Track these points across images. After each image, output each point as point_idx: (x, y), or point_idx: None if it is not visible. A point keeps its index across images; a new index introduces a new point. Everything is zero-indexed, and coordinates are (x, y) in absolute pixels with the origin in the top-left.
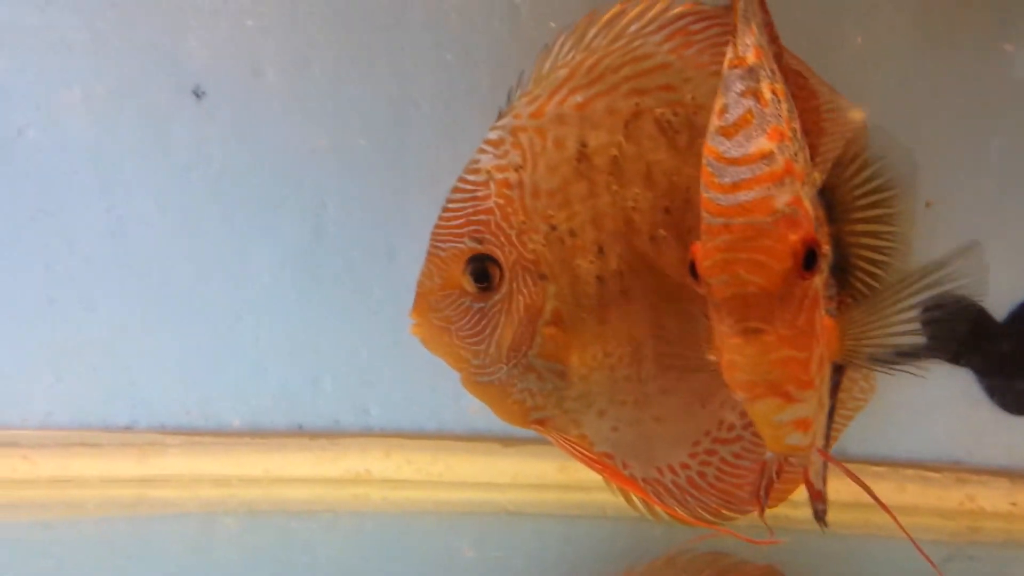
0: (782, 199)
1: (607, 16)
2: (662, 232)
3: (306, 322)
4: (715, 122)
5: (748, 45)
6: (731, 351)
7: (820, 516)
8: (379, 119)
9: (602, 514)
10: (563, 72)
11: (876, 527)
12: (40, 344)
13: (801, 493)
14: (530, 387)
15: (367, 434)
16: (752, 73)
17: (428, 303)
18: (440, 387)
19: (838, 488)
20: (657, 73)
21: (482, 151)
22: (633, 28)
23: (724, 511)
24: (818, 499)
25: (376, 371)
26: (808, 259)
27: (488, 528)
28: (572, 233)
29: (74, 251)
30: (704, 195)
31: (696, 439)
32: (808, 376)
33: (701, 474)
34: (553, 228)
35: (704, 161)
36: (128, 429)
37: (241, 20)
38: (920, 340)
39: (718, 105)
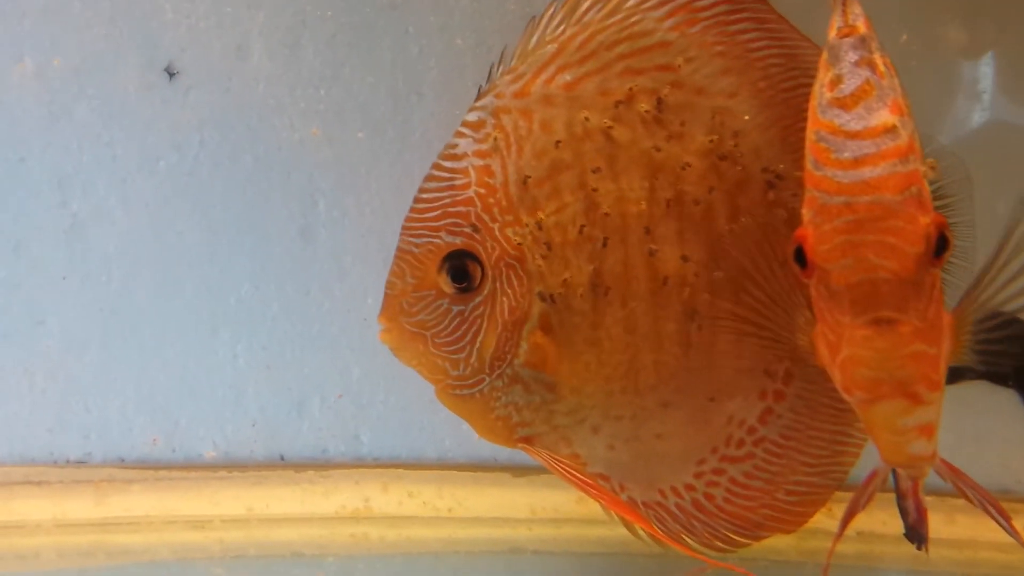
0: (909, 177)
1: None
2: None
3: (290, 337)
4: (826, 93)
5: (858, 14)
6: (855, 345)
7: (922, 539)
8: (379, 109)
9: (626, 550)
10: (551, 48)
11: (884, 559)
12: None
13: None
14: (515, 400)
15: (360, 465)
16: (864, 43)
17: (399, 306)
18: (441, 409)
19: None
20: (656, 51)
21: (460, 134)
22: (631, 2)
23: (735, 537)
24: (924, 520)
25: (370, 392)
26: (940, 244)
27: (502, 570)
28: (562, 227)
29: (21, 254)
30: (816, 173)
31: (702, 457)
32: (938, 375)
33: (708, 496)
34: (540, 221)
35: (814, 136)
36: (82, 463)
37: None
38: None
39: (828, 75)
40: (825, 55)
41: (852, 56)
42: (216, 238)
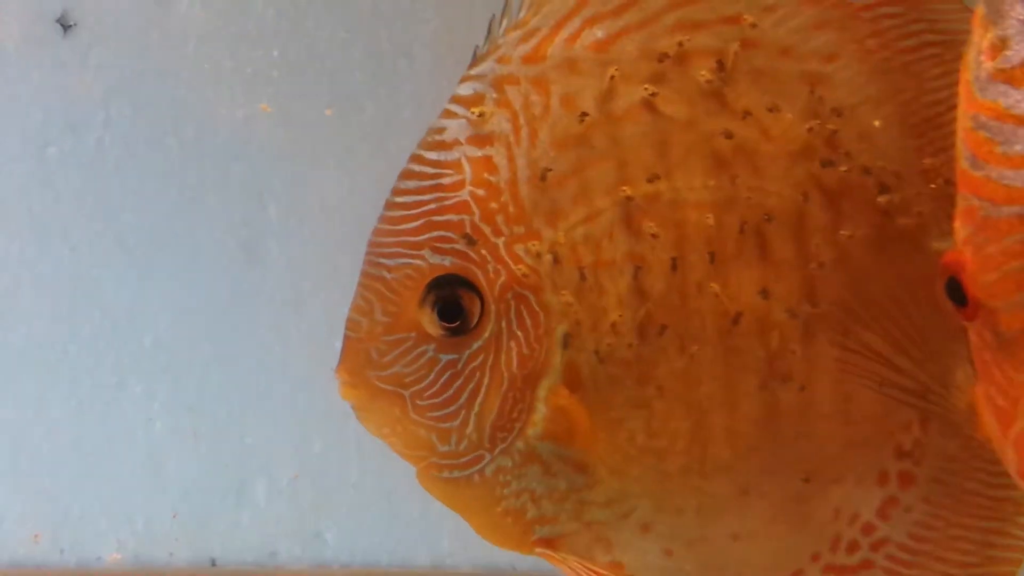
0: None
1: None
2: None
3: (227, 394)
4: (985, 64)
5: None
6: None
7: None
8: (354, 77)
9: None
10: None
11: None
12: None
13: None
14: (531, 487)
15: (323, 572)
16: None
17: (366, 354)
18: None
19: None
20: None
21: (450, 114)
22: None
23: None
24: None
25: (337, 472)
26: None
27: None
28: (594, 241)
29: None
30: (975, 173)
31: (797, 567)
32: None
33: None
34: (564, 235)
35: (970, 123)
36: None
37: None
38: None
39: (988, 38)
40: (981, 8)
41: (1020, 11)
42: (126, 255)
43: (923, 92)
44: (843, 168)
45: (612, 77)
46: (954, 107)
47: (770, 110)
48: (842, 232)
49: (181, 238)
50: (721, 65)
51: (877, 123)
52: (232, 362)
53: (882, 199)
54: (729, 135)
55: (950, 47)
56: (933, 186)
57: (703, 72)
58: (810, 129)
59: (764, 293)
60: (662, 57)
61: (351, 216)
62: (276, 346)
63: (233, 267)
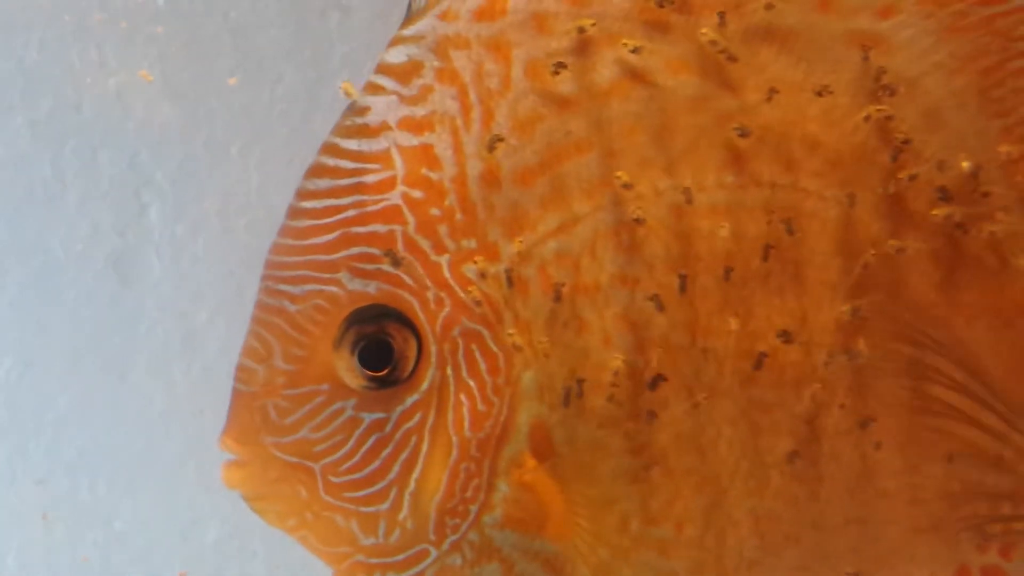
0: None
1: None
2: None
3: (90, 460)
4: None
5: None
6: None
7: None
8: (267, 33)
9: None
10: None
11: None
12: None
13: None
14: None
15: None
16: None
17: (262, 413)
18: None
19: None
20: None
21: (375, 88)
22: None
23: None
24: None
25: (238, 568)
26: None
27: None
28: (570, 260)
29: None
30: None
31: None
32: None
33: None
34: (531, 249)
35: None
36: None
37: None
38: None
39: None
40: None
41: None
42: None
43: (1010, 56)
44: (902, 161)
45: (593, 36)
46: None
47: (806, 84)
48: (900, 246)
49: (32, 250)
50: (747, 28)
51: (949, 101)
52: (98, 418)
53: (951, 205)
54: (751, 117)
55: None
56: (1020, 180)
57: (716, 35)
58: (859, 110)
59: (797, 329)
60: (665, 15)
61: (260, 221)
62: (157, 396)
63: (101, 289)
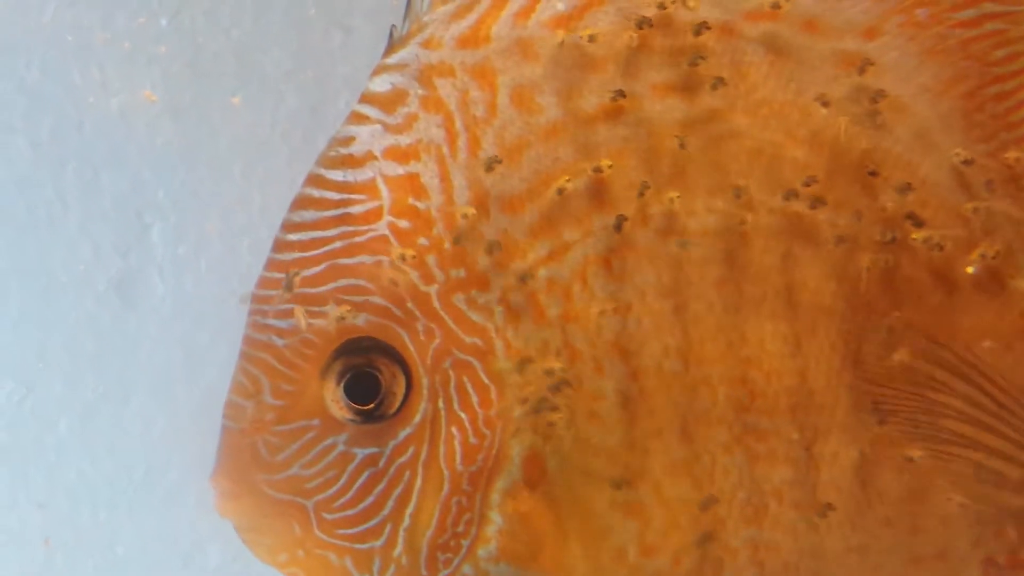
0: None
1: None
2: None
3: (91, 486)
4: None
5: None
6: None
7: None
8: (271, 56)
9: None
10: None
11: None
12: None
13: None
14: None
15: None
16: None
17: (252, 450)
18: None
19: None
20: None
21: (359, 118)
22: None
23: None
24: None
25: None
26: None
27: None
28: (561, 287)
29: None
30: None
31: None
32: None
33: None
34: (521, 278)
35: None
36: None
37: None
38: None
39: None
40: None
41: None
42: None
43: (993, 81)
44: (896, 182)
45: (579, 61)
46: None
47: (796, 103)
48: (894, 268)
49: (33, 272)
50: (737, 48)
51: (936, 122)
52: (99, 442)
53: (928, 229)
54: (740, 139)
55: (1016, 21)
56: (1007, 203)
57: (706, 60)
58: (850, 128)
59: (794, 353)
60: (642, 24)
61: (263, 242)
62: (159, 419)
63: (103, 311)
